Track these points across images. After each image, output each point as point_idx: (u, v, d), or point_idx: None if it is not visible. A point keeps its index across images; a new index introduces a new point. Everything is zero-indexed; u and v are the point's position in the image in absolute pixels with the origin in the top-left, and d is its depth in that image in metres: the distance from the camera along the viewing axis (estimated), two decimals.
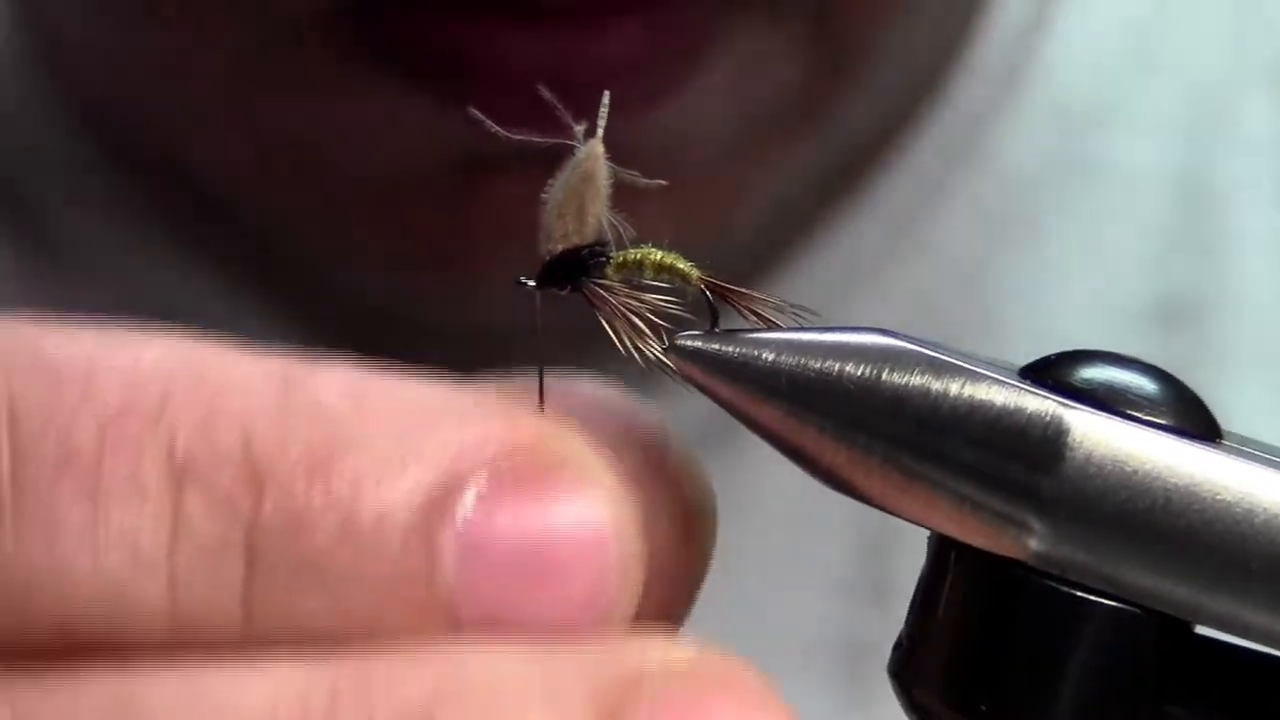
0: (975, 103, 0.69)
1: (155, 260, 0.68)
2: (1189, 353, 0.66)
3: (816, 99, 0.61)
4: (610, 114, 0.39)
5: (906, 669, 0.36)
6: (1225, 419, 0.36)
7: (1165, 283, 0.68)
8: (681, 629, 0.36)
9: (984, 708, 0.34)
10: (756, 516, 0.65)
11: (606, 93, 0.38)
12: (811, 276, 0.67)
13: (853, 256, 0.67)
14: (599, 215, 0.39)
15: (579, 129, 0.38)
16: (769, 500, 0.65)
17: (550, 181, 0.38)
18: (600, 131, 0.38)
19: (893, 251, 0.67)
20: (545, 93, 0.38)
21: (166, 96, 0.63)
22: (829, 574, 0.65)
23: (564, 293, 0.39)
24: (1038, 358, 0.36)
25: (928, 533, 0.36)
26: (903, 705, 0.36)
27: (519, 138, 0.39)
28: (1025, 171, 0.68)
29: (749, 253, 0.64)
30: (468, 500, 0.32)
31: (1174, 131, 0.70)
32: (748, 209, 0.62)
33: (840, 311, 0.66)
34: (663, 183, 0.39)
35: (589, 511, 0.32)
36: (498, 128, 0.39)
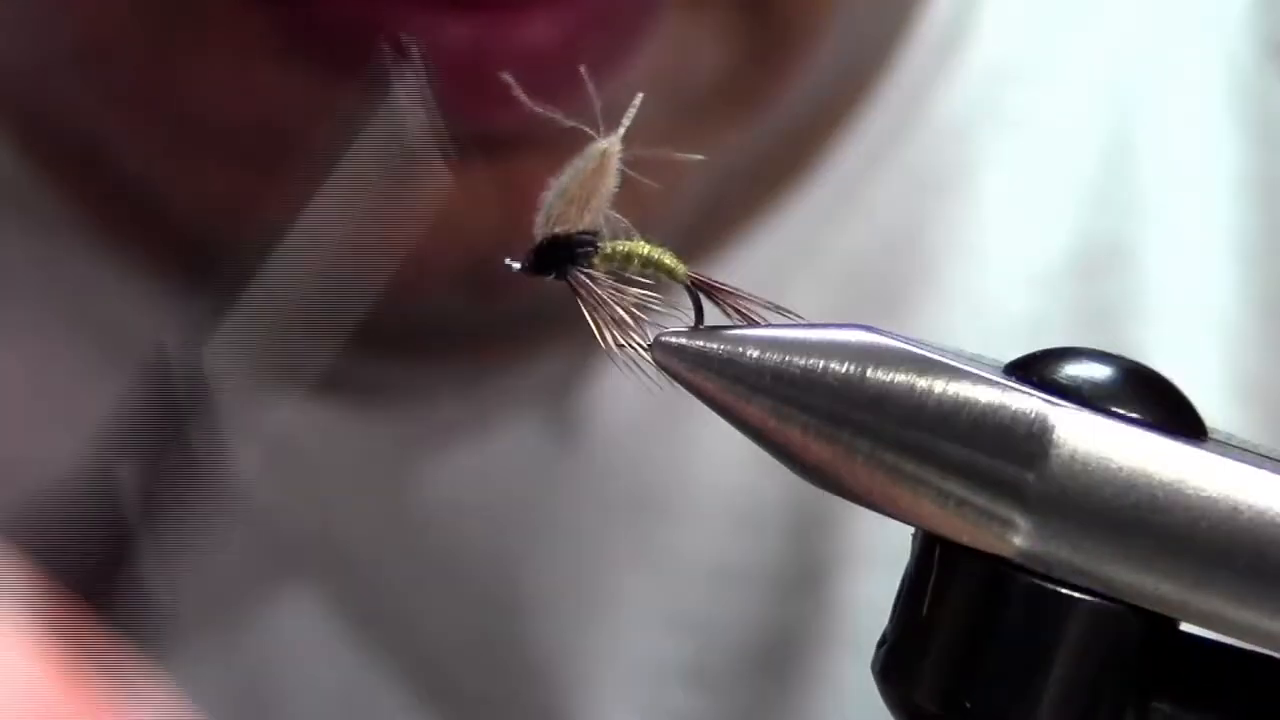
0: (916, 72, 0.68)
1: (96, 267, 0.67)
2: (1110, 301, 0.66)
3: (754, 85, 0.60)
4: (535, 101, 0.39)
5: (891, 666, 0.36)
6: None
7: (1090, 236, 0.68)
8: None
9: (969, 705, 0.34)
10: (689, 514, 0.65)
11: (639, 95, 0.38)
12: (754, 252, 0.67)
13: (796, 230, 0.67)
14: (600, 210, 0.39)
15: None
16: (702, 497, 0.65)
17: (560, 168, 0.39)
18: (621, 130, 0.38)
19: (833, 222, 0.67)
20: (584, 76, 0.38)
21: (88, 81, 0.62)
22: (760, 569, 0.65)
23: (549, 279, 0.39)
24: (1023, 355, 0.36)
25: (912, 530, 0.36)
26: (887, 702, 0.36)
27: (543, 114, 0.39)
28: (957, 127, 0.68)
29: (691, 231, 0.63)
30: None
31: (1102, 87, 0.70)
32: (686, 193, 0.61)
33: (786, 285, 0.66)
34: (700, 157, 0.39)
35: None
36: (528, 101, 0.39)
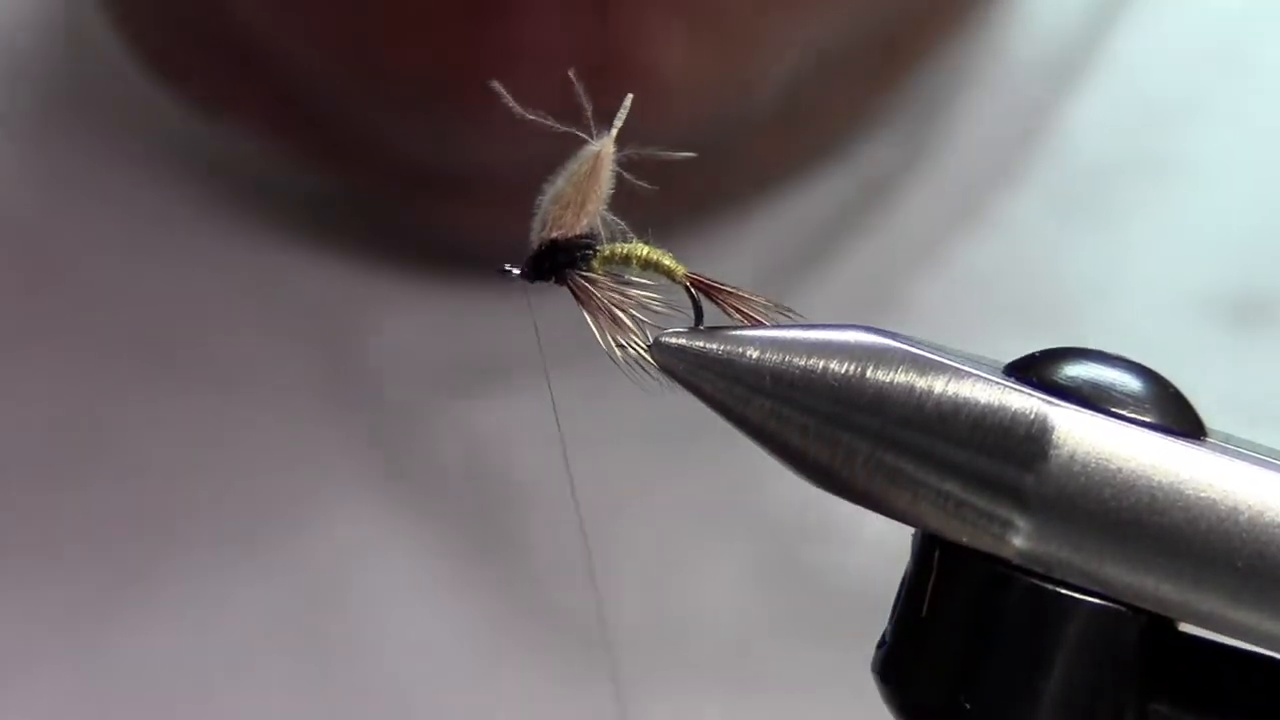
0: (1035, 83, 0.68)
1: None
2: (1266, 353, 0.66)
3: None
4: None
5: (889, 667, 0.35)
6: None
7: (1245, 287, 0.68)
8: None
9: (968, 706, 0.34)
10: (672, 508, 0.65)
11: (629, 95, 0.38)
12: (871, 240, 0.67)
13: (915, 223, 0.67)
14: (597, 211, 0.39)
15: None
16: (689, 491, 0.65)
17: (555, 172, 0.39)
18: (614, 131, 0.38)
19: (959, 229, 0.67)
20: (573, 78, 0.38)
21: None
22: (742, 565, 0.65)
23: (549, 283, 0.39)
24: (1022, 355, 0.36)
25: (912, 531, 0.36)
26: (886, 703, 0.36)
27: (532, 117, 0.39)
28: (1101, 161, 0.68)
29: (779, 117, 0.63)
30: None
31: (1258, 131, 0.70)
32: (774, 60, 0.61)
33: (906, 281, 0.66)
34: (691, 154, 0.39)
35: None
36: (517, 105, 0.39)
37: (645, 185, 0.39)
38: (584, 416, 0.62)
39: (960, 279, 0.67)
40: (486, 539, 0.66)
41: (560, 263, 0.39)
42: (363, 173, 0.67)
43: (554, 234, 0.39)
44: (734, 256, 0.66)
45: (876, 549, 0.63)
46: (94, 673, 0.63)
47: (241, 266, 0.68)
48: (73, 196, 0.70)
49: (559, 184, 0.39)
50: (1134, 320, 0.67)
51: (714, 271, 0.38)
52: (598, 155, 0.38)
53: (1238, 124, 0.70)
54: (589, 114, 0.39)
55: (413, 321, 0.68)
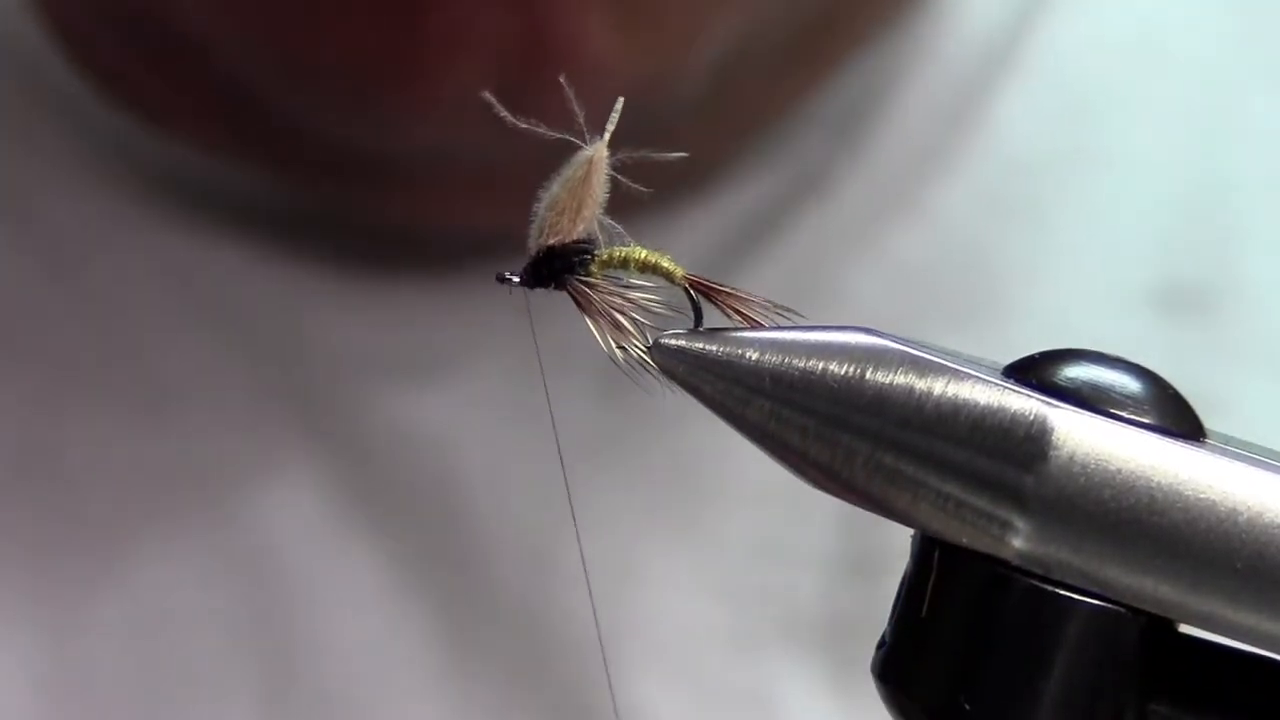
0: (964, 75, 0.69)
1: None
2: (1195, 343, 0.66)
3: None
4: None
5: (889, 668, 0.35)
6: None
7: (1172, 275, 0.68)
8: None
9: (968, 707, 0.34)
10: (739, 496, 0.65)
11: (620, 99, 0.38)
12: (804, 231, 0.67)
13: (846, 214, 0.68)
14: (592, 216, 0.39)
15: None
16: (752, 480, 0.65)
17: (549, 178, 0.39)
18: (607, 135, 0.38)
19: (891, 220, 0.68)
20: (565, 85, 0.38)
21: None
22: (813, 553, 0.65)
23: (549, 290, 0.39)
24: (1022, 356, 0.36)
25: (912, 532, 0.36)
26: (886, 704, 0.36)
27: (524, 126, 0.39)
28: (1029, 153, 0.69)
29: (709, 100, 0.63)
30: None
31: (1181, 121, 0.70)
32: (700, 45, 0.61)
33: (840, 271, 0.67)
34: (684, 154, 0.39)
35: None
36: (508, 114, 0.39)
37: (641, 189, 0.39)
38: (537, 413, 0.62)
39: (893, 269, 0.67)
40: (435, 542, 0.66)
41: (558, 269, 0.39)
42: (299, 166, 0.66)
43: (551, 240, 0.39)
44: (669, 248, 0.66)
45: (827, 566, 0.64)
46: (41, 681, 0.63)
47: (176, 268, 0.67)
48: None
49: (554, 190, 0.39)
50: (1063, 309, 0.68)
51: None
52: (591, 160, 0.38)
53: (1160, 115, 0.70)
54: (581, 119, 0.39)
55: (359, 320, 0.67)
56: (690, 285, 0.38)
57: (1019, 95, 0.70)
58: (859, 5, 0.67)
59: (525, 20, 0.58)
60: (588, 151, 0.38)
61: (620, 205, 0.39)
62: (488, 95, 0.40)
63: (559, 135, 0.39)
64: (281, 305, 0.67)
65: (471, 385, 0.66)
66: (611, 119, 0.39)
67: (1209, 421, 0.35)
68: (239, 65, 0.63)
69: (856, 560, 0.64)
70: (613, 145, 0.39)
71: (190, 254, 0.68)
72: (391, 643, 0.65)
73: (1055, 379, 0.35)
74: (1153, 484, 0.34)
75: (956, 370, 0.35)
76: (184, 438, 0.66)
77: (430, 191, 0.65)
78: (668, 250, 0.39)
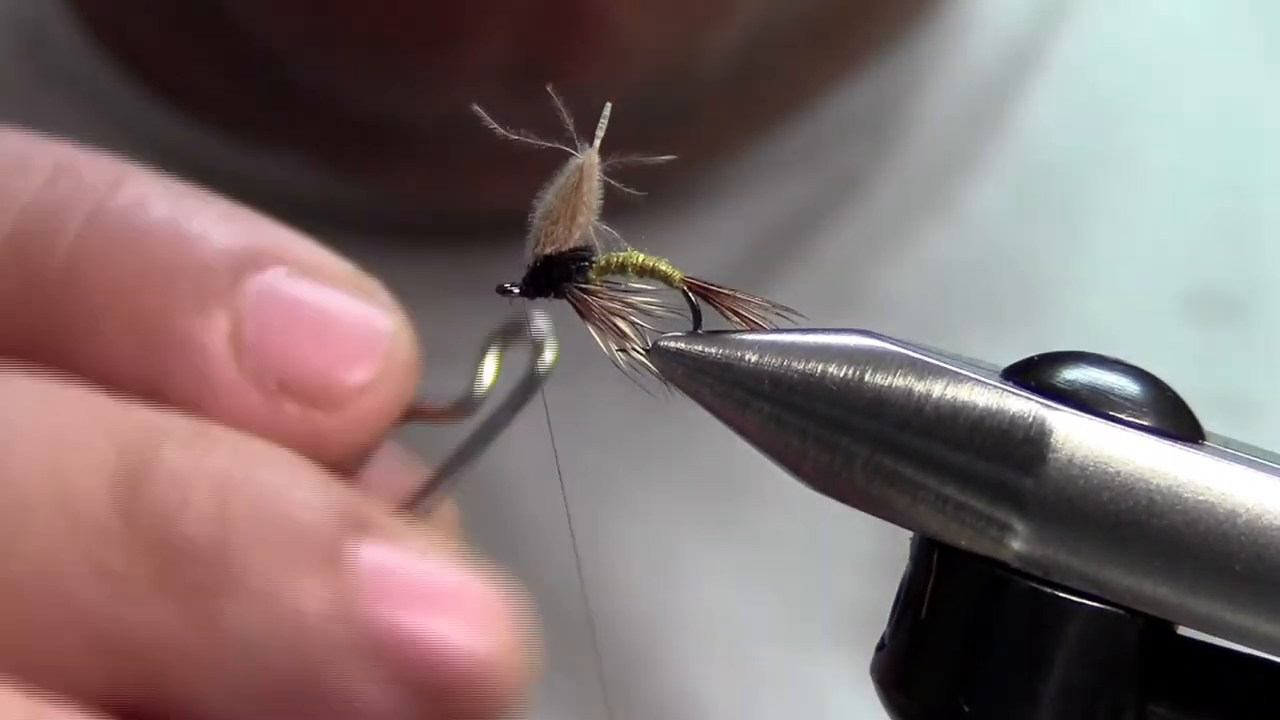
0: (987, 71, 0.69)
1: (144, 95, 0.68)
2: (1227, 346, 0.67)
3: None
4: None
5: (888, 669, 0.35)
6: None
7: (1203, 282, 0.68)
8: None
9: (967, 708, 0.34)
10: (778, 497, 0.65)
11: (608, 105, 0.38)
12: (838, 228, 0.67)
13: (876, 222, 0.68)
14: (587, 223, 0.39)
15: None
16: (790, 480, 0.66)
17: (543, 187, 0.39)
18: (597, 142, 0.38)
19: (923, 216, 0.68)
20: (552, 95, 0.38)
21: None
22: (851, 552, 0.65)
23: (549, 299, 0.39)
24: (1021, 359, 0.36)
25: (911, 534, 0.36)
26: (885, 705, 0.36)
27: (515, 138, 0.39)
28: (1059, 156, 0.69)
29: (732, 85, 0.64)
30: (278, 269, 0.35)
31: (1209, 125, 0.70)
32: (726, 24, 0.62)
33: (872, 267, 0.67)
34: (673, 156, 0.39)
35: (375, 313, 0.35)
36: (495, 125, 0.39)
37: (635, 193, 0.39)
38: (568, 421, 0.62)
39: (926, 271, 0.67)
40: (480, 545, 0.65)
41: (557, 277, 0.39)
42: (324, 142, 0.66)
43: (548, 250, 0.39)
44: (700, 254, 0.66)
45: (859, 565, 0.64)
46: None
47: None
48: None
49: (547, 199, 0.39)
50: (1094, 312, 0.68)
51: (683, 267, 0.39)
52: (582, 167, 0.38)
53: (1187, 118, 0.70)
54: (570, 126, 0.39)
55: None
56: (688, 288, 0.38)
57: (1047, 97, 0.70)
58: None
59: None
60: (579, 159, 0.38)
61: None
62: (477, 108, 0.40)
63: (549, 145, 0.39)
64: None
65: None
66: (600, 125, 0.39)
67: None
68: (265, 34, 0.63)
69: (896, 559, 0.65)
70: (606, 149, 0.39)
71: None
72: None
73: (1054, 381, 0.35)
74: (1152, 486, 0.34)
75: (955, 373, 0.35)
76: None
77: (456, 163, 0.65)
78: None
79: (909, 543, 0.36)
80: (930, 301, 0.67)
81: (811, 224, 0.68)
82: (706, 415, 0.63)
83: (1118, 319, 0.67)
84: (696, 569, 0.65)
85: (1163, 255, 0.68)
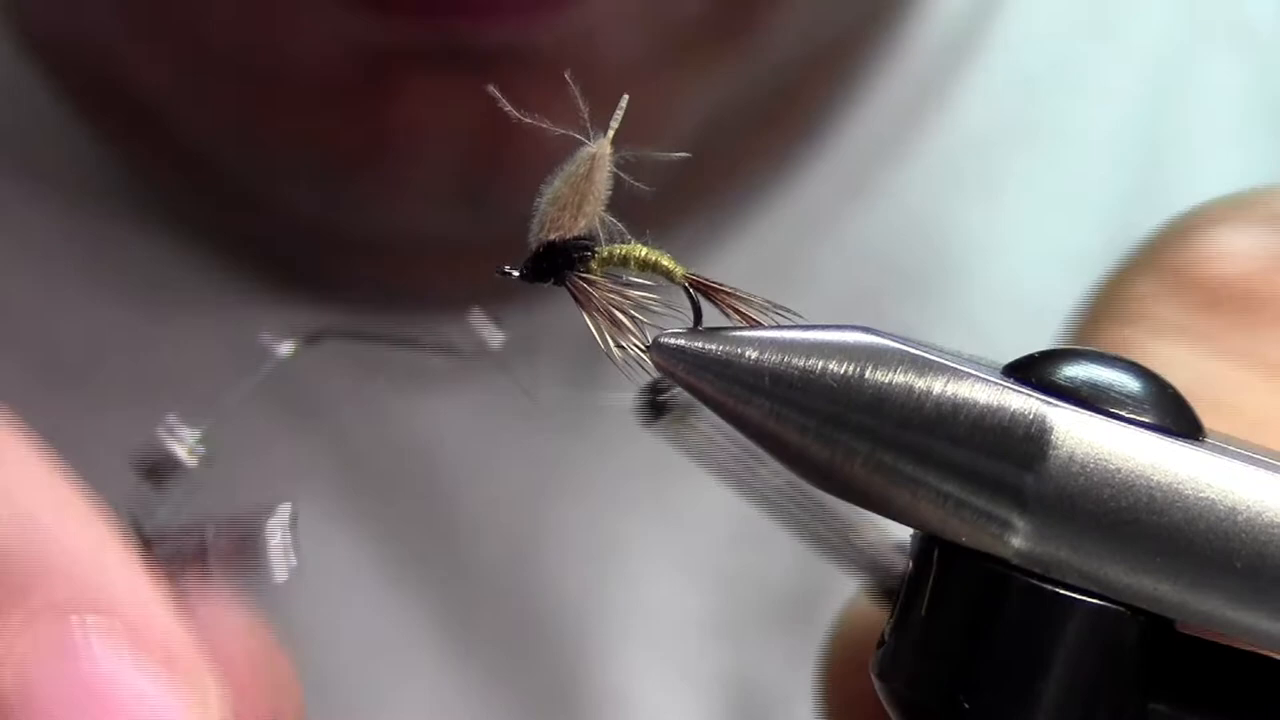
0: (926, 63, 0.70)
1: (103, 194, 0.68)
2: None
3: (736, 11, 0.62)
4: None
5: (889, 667, 0.35)
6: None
7: (1122, 238, 0.69)
8: None
9: (967, 706, 0.34)
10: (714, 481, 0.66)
11: (625, 96, 0.38)
12: (772, 216, 0.68)
13: (807, 208, 0.68)
14: (594, 213, 0.39)
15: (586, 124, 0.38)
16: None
17: (552, 173, 0.39)
18: (611, 132, 0.38)
19: (854, 198, 0.68)
20: (569, 81, 0.38)
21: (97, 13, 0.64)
22: (785, 537, 0.65)
23: (547, 285, 0.39)
24: (1021, 355, 0.36)
25: (912, 531, 0.36)
26: (884, 702, 0.36)
27: (530, 122, 0.39)
28: (987, 134, 0.69)
29: (694, 177, 0.64)
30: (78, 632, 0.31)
31: (1133, 96, 0.71)
32: (676, 123, 0.62)
33: (807, 252, 0.68)
34: (685, 154, 0.39)
35: (172, 704, 0.31)
36: (513, 109, 0.39)
37: (643, 187, 0.39)
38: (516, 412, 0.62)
39: (853, 249, 0.68)
40: (422, 535, 0.66)
41: (558, 264, 0.39)
42: (274, 241, 0.67)
43: (552, 235, 0.39)
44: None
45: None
46: None
47: (163, 288, 0.68)
48: None
49: (556, 185, 0.39)
50: (1018, 278, 0.68)
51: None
52: (594, 156, 0.38)
53: (1109, 90, 0.71)
54: (584, 117, 0.39)
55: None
56: (690, 284, 0.38)
57: (977, 81, 0.71)
58: (827, 61, 0.68)
59: (490, 109, 0.58)
60: (591, 148, 0.38)
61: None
62: (492, 89, 0.40)
63: (562, 130, 0.39)
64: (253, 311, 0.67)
65: (456, 385, 0.67)
66: (616, 116, 0.38)
67: None
68: (205, 143, 0.64)
69: None
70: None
71: (175, 270, 0.68)
72: (385, 627, 0.65)
73: (1055, 378, 0.35)
74: (1152, 483, 0.34)
75: (956, 369, 0.35)
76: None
77: (405, 262, 0.66)
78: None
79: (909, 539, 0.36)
80: (860, 280, 0.68)
81: (742, 207, 0.68)
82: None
83: (1040, 283, 0.68)
84: (633, 552, 0.66)
85: (1082, 220, 0.69)
